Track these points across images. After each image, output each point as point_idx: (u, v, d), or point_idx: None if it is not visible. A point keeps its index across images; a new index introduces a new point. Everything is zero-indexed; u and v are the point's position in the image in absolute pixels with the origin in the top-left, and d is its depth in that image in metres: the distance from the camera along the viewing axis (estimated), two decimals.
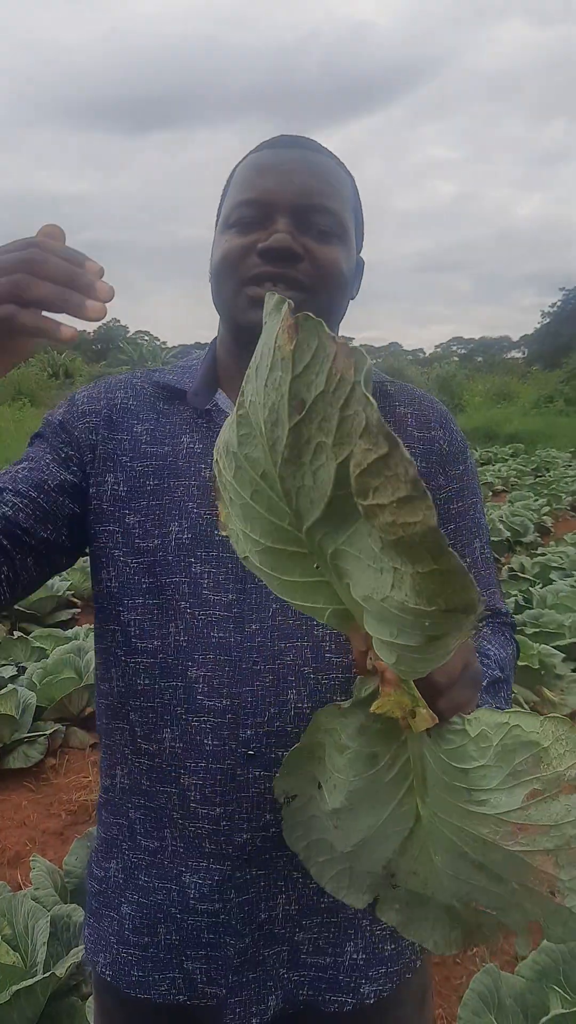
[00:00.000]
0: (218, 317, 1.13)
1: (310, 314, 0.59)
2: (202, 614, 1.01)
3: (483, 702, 0.99)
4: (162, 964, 1.04)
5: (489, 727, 0.77)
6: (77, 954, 2.22)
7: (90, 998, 2.18)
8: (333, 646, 1.01)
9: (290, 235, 1.01)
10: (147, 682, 1.03)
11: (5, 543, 1.01)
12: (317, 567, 0.72)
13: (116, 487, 1.06)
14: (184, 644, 1.01)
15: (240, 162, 1.11)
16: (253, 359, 0.68)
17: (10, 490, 1.04)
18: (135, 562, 1.05)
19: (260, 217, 1.03)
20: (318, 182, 1.04)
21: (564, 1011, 1.91)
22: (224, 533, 0.76)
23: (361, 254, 1.15)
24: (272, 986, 1.02)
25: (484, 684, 1.00)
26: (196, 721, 1.00)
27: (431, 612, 0.60)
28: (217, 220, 1.13)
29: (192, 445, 1.07)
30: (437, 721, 0.75)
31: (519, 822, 0.76)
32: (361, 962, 1.04)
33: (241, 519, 0.73)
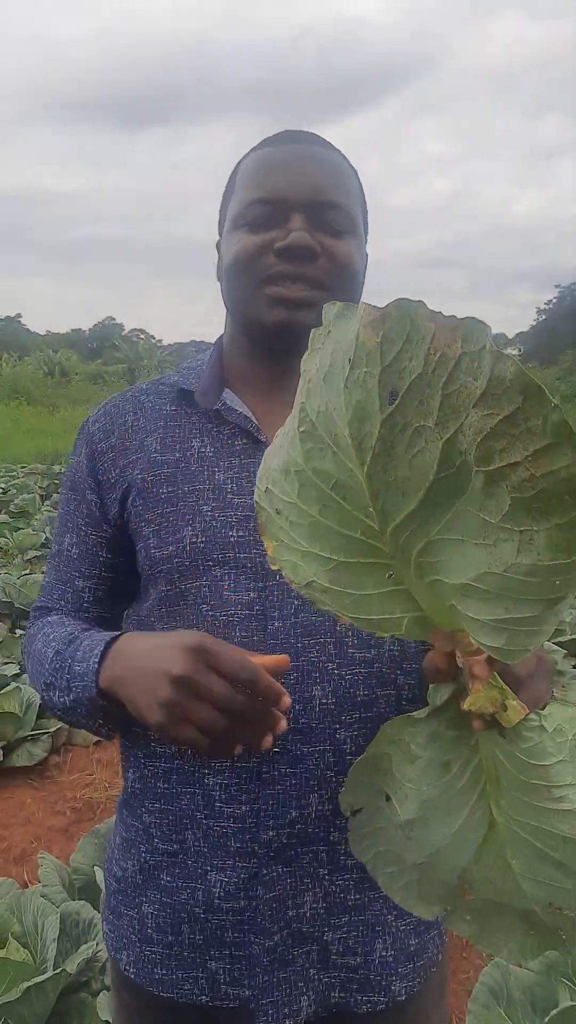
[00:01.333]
0: (225, 316, 1.14)
1: (407, 297, 0.59)
2: (223, 615, 1.01)
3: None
4: (186, 963, 1.04)
5: (563, 721, 0.76)
6: (87, 951, 2.22)
7: (100, 994, 2.19)
8: (356, 641, 1.01)
9: (308, 233, 1.01)
10: None
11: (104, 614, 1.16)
12: (391, 576, 0.71)
13: (135, 503, 1.08)
14: None
15: (243, 159, 1.10)
16: (310, 373, 0.68)
17: (77, 575, 1.15)
18: (154, 571, 1.05)
19: (273, 215, 1.03)
20: (328, 178, 1.04)
21: (574, 1003, 1.92)
22: (276, 567, 0.75)
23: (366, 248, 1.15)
24: (304, 987, 1.01)
25: None
26: None
27: (569, 564, 0.61)
28: (221, 219, 1.13)
29: (203, 449, 1.07)
30: (527, 711, 0.75)
31: None
32: (391, 959, 1.04)
33: (307, 540, 0.72)
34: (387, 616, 0.74)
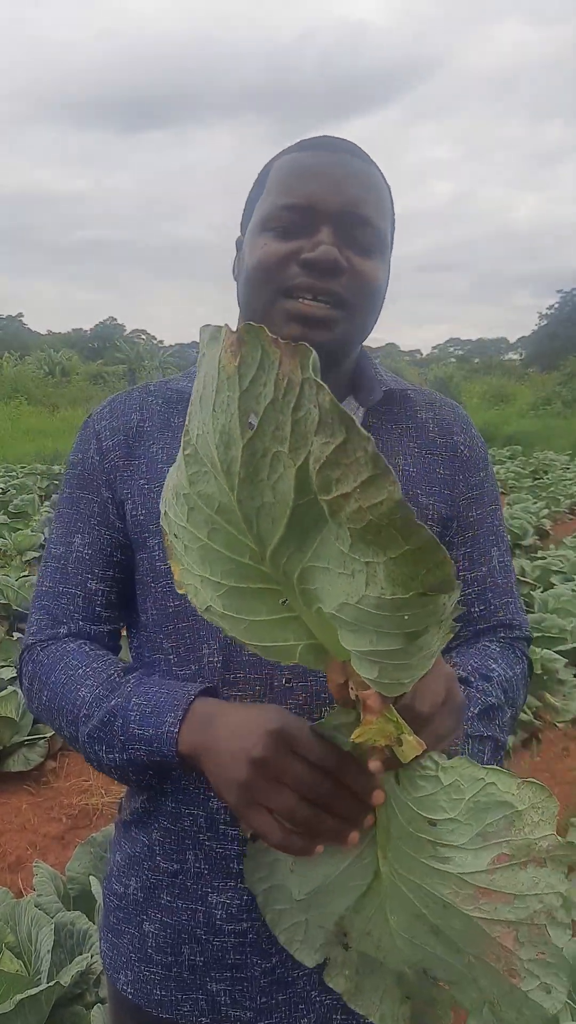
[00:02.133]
0: (238, 318, 1.10)
1: (251, 323, 0.58)
2: None
3: (476, 730, 0.97)
4: (186, 985, 1.02)
5: (464, 779, 0.73)
6: (81, 963, 2.19)
7: (95, 1007, 2.16)
8: None
9: (336, 247, 0.98)
10: None
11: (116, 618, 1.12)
12: (284, 602, 0.69)
13: (135, 512, 1.05)
14: (218, 665, 0.99)
15: (277, 159, 1.06)
16: (194, 394, 0.67)
17: (90, 577, 1.09)
18: (160, 587, 1.03)
19: (303, 223, 0.99)
20: (364, 192, 1.00)
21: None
22: (182, 591, 0.73)
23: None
24: (304, 1009, 1.00)
25: (476, 711, 0.97)
26: None
27: (408, 599, 0.59)
28: (245, 217, 1.09)
29: None
30: (425, 747, 0.72)
31: (482, 886, 0.72)
32: None
33: (199, 563, 0.70)
34: (280, 643, 0.72)
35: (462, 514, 1.09)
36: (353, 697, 0.72)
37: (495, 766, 0.74)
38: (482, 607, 1.10)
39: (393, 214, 1.08)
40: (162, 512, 0.73)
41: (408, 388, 1.12)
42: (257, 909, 0.97)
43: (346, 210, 0.99)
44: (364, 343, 1.11)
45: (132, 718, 0.94)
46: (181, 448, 0.69)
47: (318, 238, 0.98)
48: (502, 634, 1.12)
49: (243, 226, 1.10)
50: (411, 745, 0.71)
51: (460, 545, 1.10)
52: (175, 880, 1.03)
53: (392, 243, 1.09)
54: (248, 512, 0.64)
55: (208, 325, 0.63)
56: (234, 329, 0.60)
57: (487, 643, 1.09)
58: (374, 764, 0.73)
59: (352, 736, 0.72)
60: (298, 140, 1.06)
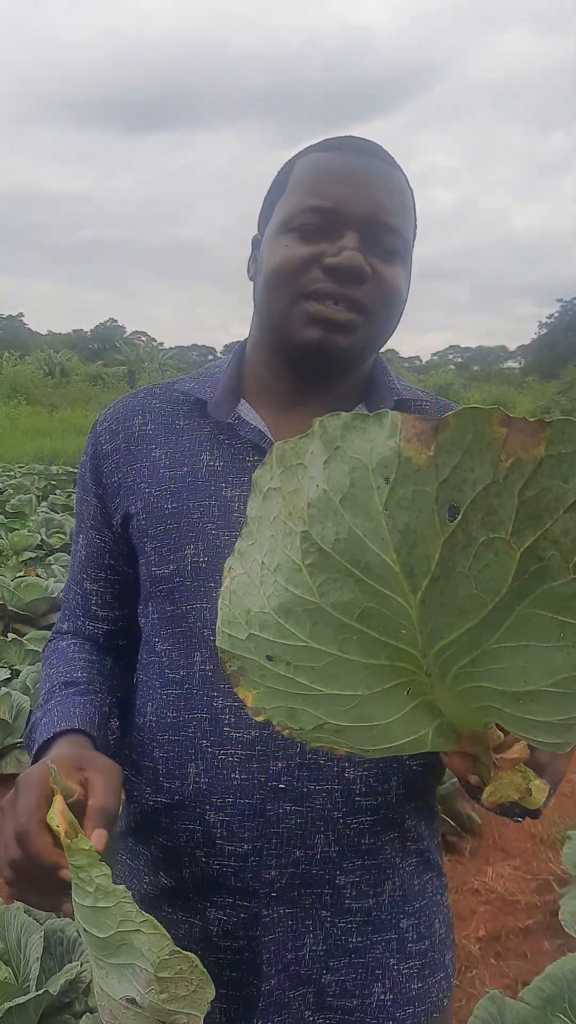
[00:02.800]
0: (252, 320, 1.08)
1: (476, 406, 0.54)
2: None
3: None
4: None
5: (116, 912, 0.70)
6: (71, 971, 2.16)
7: (84, 1016, 2.13)
8: None
9: (360, 253, 0.95)
10: (174, 715, 0.99)
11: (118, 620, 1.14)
12: (409, 691, 0.67)
13: (139, 517, 1.04)
14: (209, 673, 0.97)
15: (301, 157, 1.03)
16: (303, 496, 0.61)
17: (86, 577, 1.13)
18: (154, 589, 1.02)
19: (327, 227, 0.96)
20: (390, 198, 0.98)
21: None
22: (262, 718, 0.69)
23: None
24: None
25: None
26: (223, 754, 0.96)
27: None
28: (263, 216, 1.07)
29: (212, 463, 1.02)
30: (549, 788, 0.73)
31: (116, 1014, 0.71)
32: (389, 1003, 0.99)
33: (323, 682, 0.66)
34: (411, 737, 0.69)
35: None
36: (485, 761, 0.73)
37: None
38: None
39: (415, 219, 1.06)
40: (237, 637, 0.68)
41: (421, 398, 1.09)
42: (255, 928, 0.95)
43: (372, 216, 0.96)
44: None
45: (37, 729, 0.99)
46: (270, 560, 0.63)
47: (343, 243, 0.96)
48: None
49: (261, 225, 1.07)
50: (540, 790, 0.72)
51: None
52: (175, 894, 1.00)
53: (413, 248, 1.07)
54: (431, 610, 0.60)
55: (338, 414, 0.58)
56: (418, 416, 0.56)
57: None
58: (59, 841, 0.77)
59: (484, 796, 0.73)
60: (321, 139, 1.04)
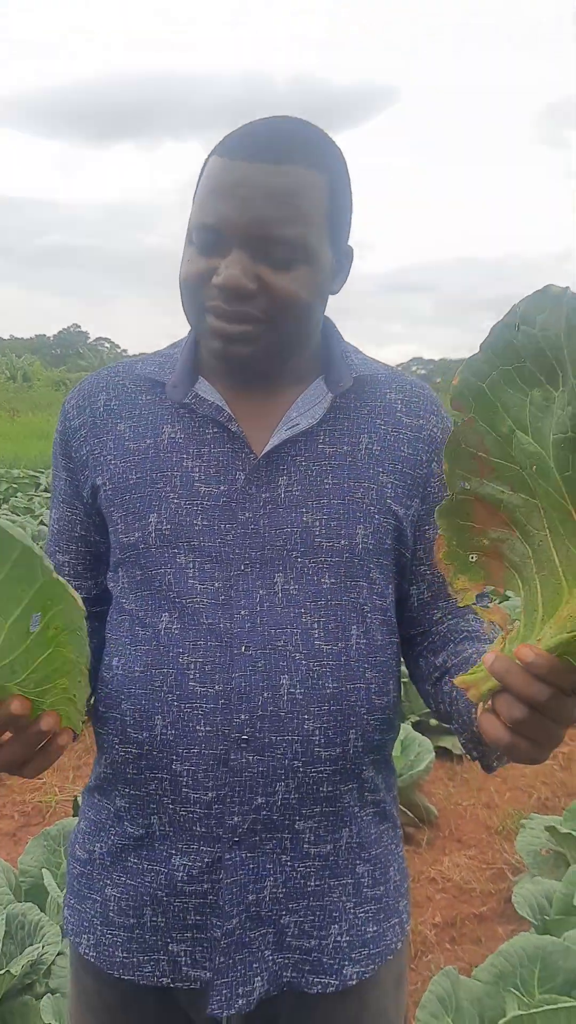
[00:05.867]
0: None
1: None
2: (191, 603, 1.02)
3: None
4: (147, 946, 1.03)
5: None
6: (32, 953, 2.18)
7: (44, 997, 2.14)
8: (323, 633, 1.02)
9: (240, 270, 0.97)
10: (141, 669, 1.03)
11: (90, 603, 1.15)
12: None
13: (105, 488, 1.08)
14: (176, 632, 1.02)
15: (208, 158, 1.04)
16: None
17: (58, 549, 1.19)
18: (123, 556, 1.07)
19: (216, 242, 0.99)
20: (277, 208, 0.97)
21: (521, 1013, 1.92)
22: None
23: (349, 242, 1.09)
24: (258, 967, 1.02)
25: None
26: (188, 707, 1.00)
27: None
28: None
29: (174, 435, 1.07)
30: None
31: None
32: (345, 944, 1.04)
33: None
34: None
35: (435, 496, 1.09)
36: None
37: None
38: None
39: (344, 186, 1.05)
40: None
41: (378, 372, 1.14)
42: (218, 872, 1.00)
43: (254, 231, 0.97)
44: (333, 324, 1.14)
45: None
46: None
47: (228, 260, 0.98)
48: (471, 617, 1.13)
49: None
50: None
51: (428, 528, 1.11)
52: (142, 843, 1.04)
53: (348, 219, 1.07)
54: None
55: None
56: None
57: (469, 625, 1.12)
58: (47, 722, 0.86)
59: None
60: (227, 133, 1.03)
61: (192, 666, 1.00)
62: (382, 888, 1.08)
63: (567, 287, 0.72)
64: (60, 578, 0.83)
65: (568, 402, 0.72)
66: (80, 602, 0.85)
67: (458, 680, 0.84)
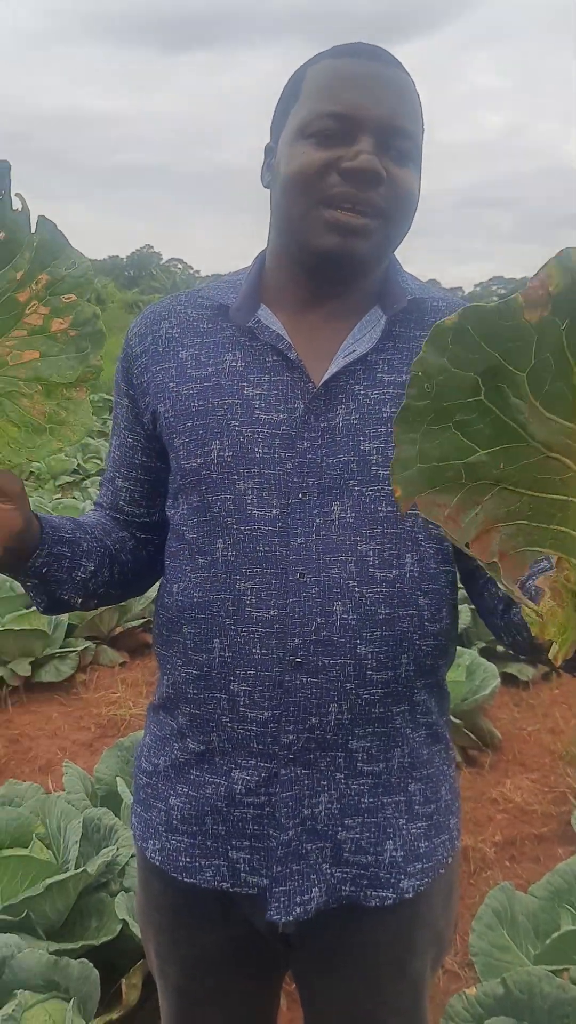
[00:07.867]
0: (269, 228, 1.12)
1: None
2: (248, 529, 1.04)
3: None
4: (208, 852, 1.10)
5: None
6: (107, 854, 2.31)
7: (119, 895, 2.28)
8: (377, 561, 1.03)
9: (376, 157, 0.99)
10: (200, 595, 1.07)
11: (139, 534, 1.23)
12: None
13: (167, 415, 1.10)
14: (232, 559, 1.05)
15: (312, 64, 1.06)
16: None
17: (117, 475, 1.22)
18: (184, 482, 1.09)
19: (343, 132, 1.00)
20: (401, 102, 1.02)
21: (574, 927, 1.98)
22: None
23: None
24: (315, 879, 1.07)
25: None
26: (245, 631, 1.04)
27: None
28: (276, 124, 1.09)
29: (235, 363, 1.08)
30: None
31: None
32: (400, 859, 1.08)
33: None
34: None
35: None
36: None
37: None
38: None
39: (424, 126, 1.08)
40: None
41: (436, 296, 1.13)
42: (275, 786, 1.04)
43: (386, 119, 1.00)
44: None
45: None
46: None
47: (358, 147, 0.99)
48: None
49: (273, 133, 1.10)
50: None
51: None
52: (203, 758, 1.10)
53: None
54: None
55: None
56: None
57: None
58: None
59: None
60: (331, 46, 1.06)
61: (248, 592, 1.04)
62: (433, 806, 1.12)
63: None
64: None
65: None
66: None
67: (524, 614, 0.84)
